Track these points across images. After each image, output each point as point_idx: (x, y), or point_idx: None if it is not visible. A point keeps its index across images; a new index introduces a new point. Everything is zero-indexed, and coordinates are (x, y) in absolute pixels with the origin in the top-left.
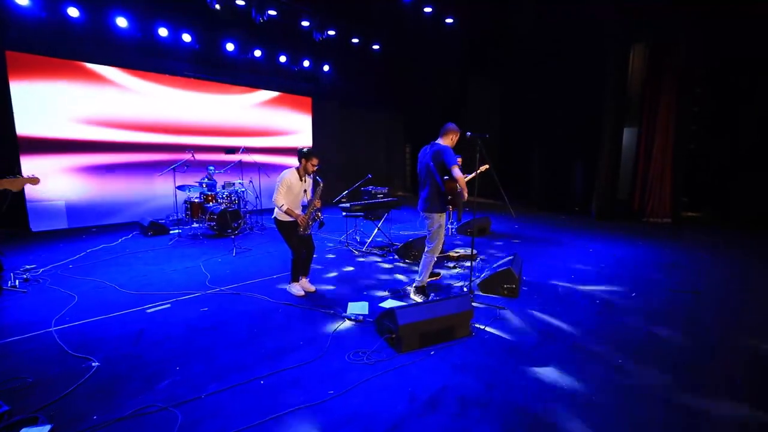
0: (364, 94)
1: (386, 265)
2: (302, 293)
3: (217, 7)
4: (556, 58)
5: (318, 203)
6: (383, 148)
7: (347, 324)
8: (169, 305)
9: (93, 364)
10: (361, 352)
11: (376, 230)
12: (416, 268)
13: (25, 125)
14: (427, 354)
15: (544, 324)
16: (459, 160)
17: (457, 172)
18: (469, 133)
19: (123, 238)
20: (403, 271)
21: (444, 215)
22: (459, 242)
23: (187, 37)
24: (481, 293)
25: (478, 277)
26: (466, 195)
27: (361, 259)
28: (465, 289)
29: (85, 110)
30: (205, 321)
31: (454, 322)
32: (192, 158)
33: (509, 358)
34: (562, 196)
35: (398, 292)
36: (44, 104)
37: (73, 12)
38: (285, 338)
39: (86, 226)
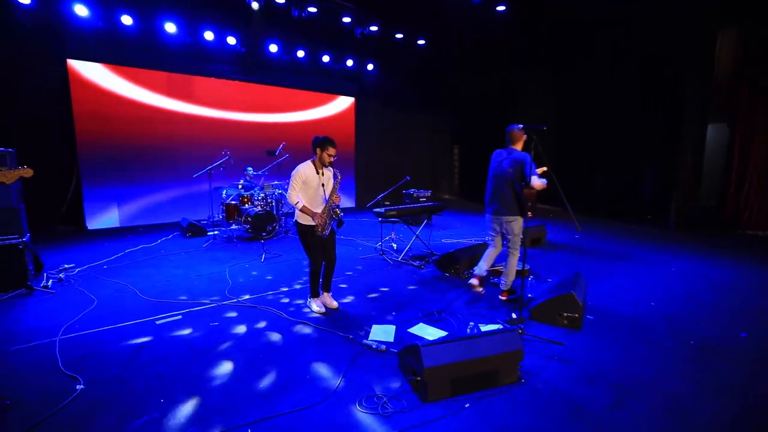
0: (409, 93)
1: (423, 279)
2: (322, 310)
3: (255, 5)
4: (622, 44)
5: (337, 198)
6: (429, 149)
7: (367, 353)
8: (180, 317)
9: (78, 386)
10: (377, 397)
11: (414, 238)
12: (460, 282)
13: (83, 131)
14: (460, 407)
15: (619, 372)
16: None
17: (536, 181)
18: (518, 126)
19: (163, 239)
20: (441, 288)
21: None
22: None
23: (231, 40)
24: (534, 321)
25: (531, 299)
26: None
27: (396, 270)
28: (513, 316)
29: (137, 113)
30: (208, 340)
31: (497, 364)
32: (228, 159)
33: (572, 424)
34: (629, 201)
35: (432, 315)
36: (99, 108)
37: (126, 20)
38: (290, 369)
39: (135, 225)
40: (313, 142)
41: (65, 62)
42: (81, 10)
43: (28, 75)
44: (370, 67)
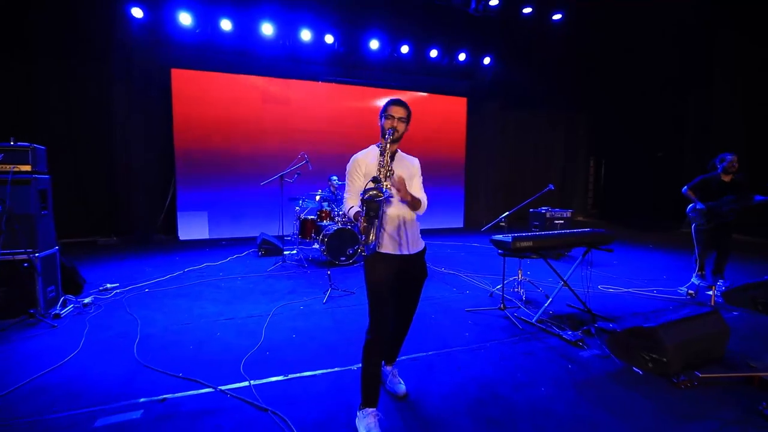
0: (535, 90)
1: (588, 378)
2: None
3: None
4: None
5: (399, 185)
6: (559, 159)
7: None
8: (160, 401)
9: None
10: None
11: (562, 284)
12: (674, 398)
13: (181, 139)
14: None
15: None
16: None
17: None
18: None
19: (235, 256)
20: (635, 409)
21: None
22: (739, 328)
23: (329, 38)
24: None
25: None
26: None
27: (529, 347)
28: None
29: (231, 120)
30: None
31: None
32: (306, 163)
33: None
34: None
35: None
36: (196, 116)
37: (225, 25)
38: None
39: (221, 237)
40: (379, 116)
41: (169, 71)
42: (185, 19)
43: (137, 84)
44: (486, 60)
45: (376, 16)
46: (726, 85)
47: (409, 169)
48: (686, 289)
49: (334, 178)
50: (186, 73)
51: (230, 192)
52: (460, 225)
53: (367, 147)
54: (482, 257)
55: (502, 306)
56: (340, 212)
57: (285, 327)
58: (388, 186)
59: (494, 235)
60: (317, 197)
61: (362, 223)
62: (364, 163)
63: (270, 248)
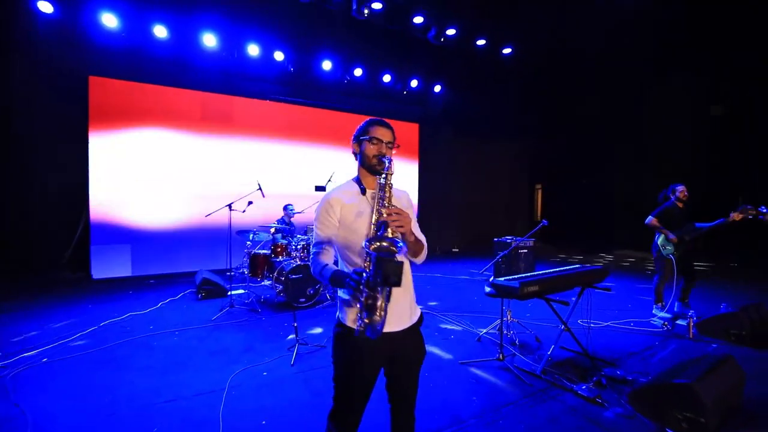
0: (484, 118)
1: None
2: None
3: None
4: None
5: (396, 217)
6: (505, 185)
7: None
8: None
9: None
10: None
11: (564, 327)
12: None
13: (99, 158)
14: None
15: None
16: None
17: None
18: None
19: (168, 300)
20: None
21: None
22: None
23: (279, 55)
24: None
25: None
26: None
27: (543, 403)
28: None
29: (163, 137)
30: None
31: None
32: (258, 190)
33: None
34: None
35: None
36: (119, 130)
37: (159, 32)
38: None
39: (148, 274)
40: (353, 141)
41: (87, 79)
42: (109, 20)
43: (47, 91)
44: (437, 88)
45: (330, 37)
46: (653, 122)
47: (400, 205)
48: (660, 321)
49: (291, 206)
50: (108, 82)
51: (161, 221)
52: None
53: (329, 175)
54: (449, 290)
55: (500, 356)
56: (298, 246)
57: (249, 408)
58: (397, 235)
59: (495, 279)
60: (272, 229)
61: (367, 295)
62: (339, 203)
63: (212, 289)
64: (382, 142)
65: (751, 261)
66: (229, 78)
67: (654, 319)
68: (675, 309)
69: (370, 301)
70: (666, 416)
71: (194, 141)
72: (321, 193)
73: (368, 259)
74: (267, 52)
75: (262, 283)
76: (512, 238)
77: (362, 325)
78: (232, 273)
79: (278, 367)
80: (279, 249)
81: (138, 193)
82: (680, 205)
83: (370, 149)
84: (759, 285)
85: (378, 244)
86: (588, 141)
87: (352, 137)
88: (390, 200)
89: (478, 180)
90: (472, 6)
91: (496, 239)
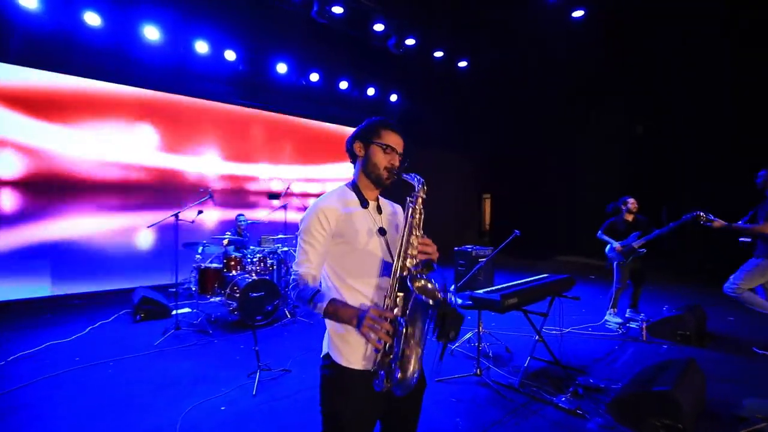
0: (441, 128)
1: None
2: None
3: None
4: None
5: (425, 247)
6: (456, 196)
7: None
8: None
9: None
10: None
11: (538, 338)
12: None
13: (7, 158)
14: None
15: None
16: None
17: None
18: None
19: (98, 323)
20: None
21: None
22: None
23: (230, 55)
24: None
25: None
26: None
27: (526, 420)
28: None
29: (90, 137)
30: None
31: None
32: (210, 199)
33: None
34: None
35: None
36: (36, 126)
37: (92, 19)
38: None
39: (72, 293)
40: (350, 140)
41: None
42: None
43: None
44: (393, 97)
45: (285, 38)
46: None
47: (398, 213)
48: (615, 325)
49: (242, 217)
50: (22, 71)
51: (89, 231)
52: None
53: (285, 185)
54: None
55: (478, 371)
56: (254, 259)
57: None
58: (430, 252)
59: (478, 293)
60: (225, 241)
61: (404, 342)
62: (334, 213)
63: (153, 309)
64: (396, 152)
65: (679, 261)
66: (174, 76)
67: (609, 323)
68: (626, 314)
69: (407, 352)
70: (643, 425)
71: (128, 142)
72: (275, 201)
73: (395, 295)
74: (217, 51)
75: (211, 300)
76: (472, 247)
77: (389, 381)
78: (177, 290)
79: (238, 399)
80: (232, 262)
81: (57, 197)
82: (629, 216)
83: (382, 159)
84: (689, 286)
85: (423, 284)
86: (530, 154)
87: (354, 135)
88: (420, 227)
89: (431, 190)
90: (431, 17)
91: (456, 248)
